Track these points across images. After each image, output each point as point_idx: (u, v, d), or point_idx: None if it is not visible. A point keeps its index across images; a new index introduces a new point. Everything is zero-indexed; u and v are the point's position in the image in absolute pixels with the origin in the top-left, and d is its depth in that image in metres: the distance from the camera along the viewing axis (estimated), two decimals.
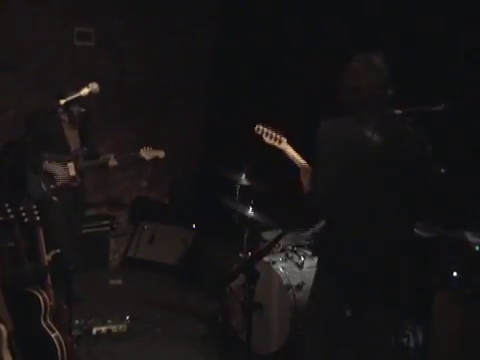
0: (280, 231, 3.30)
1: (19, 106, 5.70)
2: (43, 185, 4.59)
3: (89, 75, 5.88)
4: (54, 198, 4.53)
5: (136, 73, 6.34)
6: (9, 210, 3.58)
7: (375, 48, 2.89)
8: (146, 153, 4.83)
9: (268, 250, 3.41)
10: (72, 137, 4.76)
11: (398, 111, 2.47)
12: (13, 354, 3.40)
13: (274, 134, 3.47)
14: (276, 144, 3.44)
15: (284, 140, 3.44)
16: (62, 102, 2.97)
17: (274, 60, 5.94)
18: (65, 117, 4.66)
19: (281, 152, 3.43)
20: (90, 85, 3.11)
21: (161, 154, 4.84)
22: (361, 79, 2.89)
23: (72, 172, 4.61)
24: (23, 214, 3.64)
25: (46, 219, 4.24)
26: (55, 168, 4.64)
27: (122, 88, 6.18)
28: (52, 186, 4.58)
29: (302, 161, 3.35)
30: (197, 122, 6.65)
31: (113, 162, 4.89)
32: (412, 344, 4.32)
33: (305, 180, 3.28)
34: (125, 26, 6.19)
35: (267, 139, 3.47)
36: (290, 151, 3.41)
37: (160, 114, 6.39)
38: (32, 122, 4.67)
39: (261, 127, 3.50)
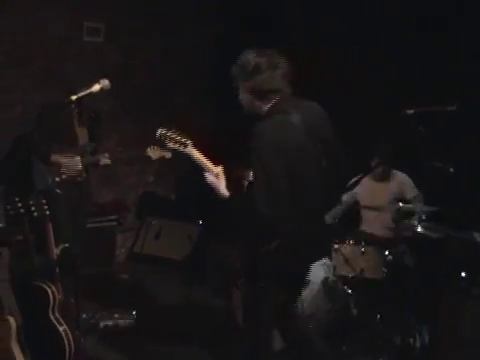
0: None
1: (27, 101, 5.71)
2: (48, 177, 4.59)
3: (97, 71, 5.91)
4: (58, 191, 4.52)
5: (143, 69, 6.35)
6: (19, 204, 3.59)
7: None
8: (153, 152, 4.78)
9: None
10: (81, 133, 4.76)
11: (410, 111, 2.46)
12: (22, 347, 3.41)
13: (178, 138, 3.25)
14: (181, 149, 3.24)
15: (189, 143, 3.25)
16: (73, 98, 2.96)
17: (284, 49, 5.94)
18: (76, 113, 4.66)
19: (187, 156, 3.24)
20: (101, 81, 3.10)
21: (168, 155, 4.81)
22: (271, 80, 3.03)
23: (79, 166, 4.60)
24: (33, 208, 3.66)
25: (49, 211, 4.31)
26: (62, 159, 4.65)
27: (129, 84, 6.19)
28: (57, 179, 4.57)
29: (210, 164, 3.21)
30: (204, 118, 6.64)
31: (105, 160, 4.84)
32: (418, 344, 4.32)
33: (220, 184, 3.15)
34: (133, 22, 6.19)
35: (170, 144, 3.26)
36: (196, 155, 3.24)
37: (166, 110, 6.38)
38: (43, 115, 4.67)
39: (163, 132, 3.27)
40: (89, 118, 4.76)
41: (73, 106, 4.52)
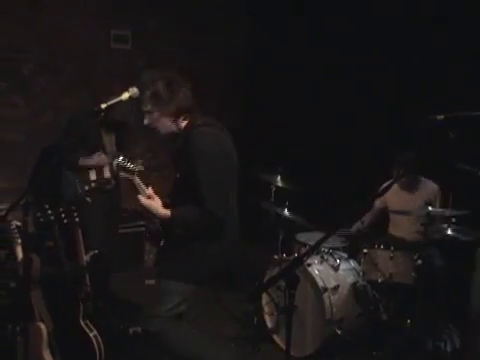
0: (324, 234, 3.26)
1: (57, 108, 5.82)
2: (78, 186, 4.64)
3: (125, 77, 5.96)
4: (88, 199, 4.57)
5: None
6: (49, 211, 3.65)
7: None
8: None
9: (310, 253, 3.44)
10: (109, 141, 4.82)
11: (441, 116, 2.45)
12: (53, 353, 3.47)
13: (129, 166, 3.30)
14: (130, 177, 3.28)
15: (136, 171, 3.29)
16: (103, 106, 2.99)
17: (308, 59, 5.94)
18: (102, 120, 4.68)
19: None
20: (130, 89, 3.12)
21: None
22: (187, 97, 3.23)
23: (107, 174, 4.63)
24: (63, 215, 3.71)
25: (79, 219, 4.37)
26: (90, 161, 4.69)
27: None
28: (86, 187, 4.60)
29: (145, 189, 3.25)
30: (231, 123, 6.64)
31: (139, 167, 4.88)
32: (449, 349, 4.27)
33: (156, 204, 3.19)
34: (159, 27, 6.25)
35: (123, 174, 3.31)
36: (136, 181, 3.28)
37: None
38: (72, 123, 4.73)
39: (117, 162, 3.31)
40: (116, 125, 4.81)
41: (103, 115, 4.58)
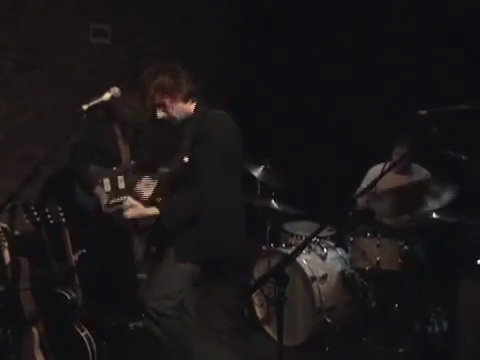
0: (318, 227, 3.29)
1: (39, 105, 5.76)
2: (91, 201, 4.54)
3: (107, 72, 5.93)
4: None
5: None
6: (35, 213, 3.64)
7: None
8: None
9: (302, 248, 3.46)
10: (124, 151, 4.73)
11: (423, 111, 2.47)
12: (45, 354, 3.47)
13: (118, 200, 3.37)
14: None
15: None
16: (85, 108, 2.96)
17: (295, 55, 5.96)
18: (118, 130, 4.60)
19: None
20: (111, 89, 3.09)
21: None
22: (190, 81, 3.32)
23: (121, 185, 4.55)
24: (49, 216, 3.70)
25: (93, 230, 4.38)
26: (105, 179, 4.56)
27: (138, 84, 6.18)
28: (105, 201, 4.52)
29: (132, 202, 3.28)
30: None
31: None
32: (437, 331, 4.34)
33: (149, 212, 3.23)
34: (141, 22, 6.19)
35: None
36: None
37: None
38: (85, 134, 4.51)
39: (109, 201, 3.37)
40: (132, 135, 4.65)
41: (117, 124, 4.52)
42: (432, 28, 4.85)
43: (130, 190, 3.33)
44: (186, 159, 3.21)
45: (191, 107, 3.34)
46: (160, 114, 3.31)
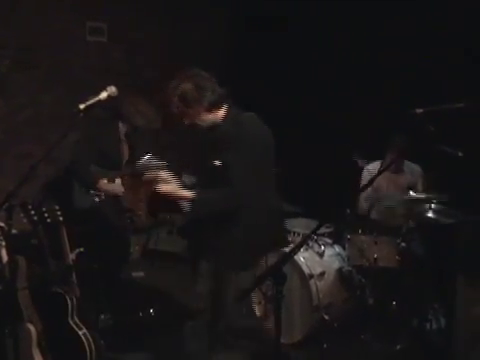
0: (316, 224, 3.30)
1: (36, 103, 5.76)
2: (88, 197, 4.55)
3: (103, 70, 5.93)
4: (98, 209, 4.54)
5: (149, 65, 6.34)
6: (32, 211, 3.63)
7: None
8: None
9: (300, 246, 3.47)
10: (125, 152, 4.71)
11: (419, 110, 2.47)
12: (43, 353, 3.47)
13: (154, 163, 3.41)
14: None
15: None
16: (81, 107, 2.95)
17: (291, 51, 5.95)
18: (122, 132, 4.60)
19: None
20: (108, 88, 3.08)
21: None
22: (217, 91, 3.26)
23: (118, 189, 4.59)
24: (46, 214, 3.70)
25: (91, 228, 4.33)
26: (108, 187, 4.58)
27: (135, 81, 6.19)
28: (97, 199, 4.55)
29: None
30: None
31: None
32: (434, 328, 4.35)
33: (184, 193, 3.26)
34: (137, 19, 6.18)
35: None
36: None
37: None
38: (88, 133, 4.50)
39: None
40: (131, 134, 4.63)
41: (123, 126, 4.53)
42: (432, 28, 4.84)
43: None
44: (218, 162, 3.23)
45: (218, 113, 3.31)
46: (186, 121, 3.32)
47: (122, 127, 4.55)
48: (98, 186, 4.43)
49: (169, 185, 3.27)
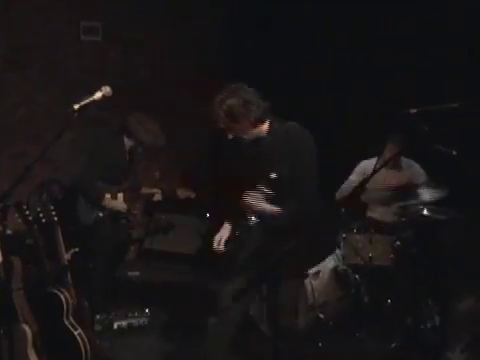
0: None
1: (30, 103, 5.75)
2: (92, 213, 4.57)
3: (98, 70, 5.92)
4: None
5: (144, 65, 6.32)
6: (27, 212, 3.63)
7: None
8: (181, 192, 5.10)
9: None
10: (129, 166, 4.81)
11: (413, 110, 2.48)
12: (38, 353, 3.47)
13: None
14: None
15: None
16: (76, 107, 2.95)
17: (286, 48, 5.94)
18: (128, 146, 4.64)
19: None
20: (103, 88, 3.08)
21: (193, 195, 5.13)
22: (261, 106, 3.29)
23: (121, 205, 4.64)
24: (41, 215, 3.69)
25: (93, 244, 4.49)
26: (113, 204, 4.62)
27: (131, 80, 6.18)
28: (100, 214, 4.58)
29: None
30: (207, 112, 6.61)
31: (158, 197, 5.00)
32: (429, 326, 4.36)
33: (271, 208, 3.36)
34: (132, 18, 6.16)
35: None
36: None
37: (170, 104, 6.35)
38: (96, 148, 4.64)
39: None
40: (134, 150, 4.70)
41: (126, 138, 4.57)
42: (432, 28, 4.85)
43: None
44: (274, 175, 3.29)
45: (263, 127, 3.36)
46: (230, 135, 3.35)
47: (127, 142, 4.62)
48: (102, 203, 4.51)
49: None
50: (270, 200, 3.39)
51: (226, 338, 3.52)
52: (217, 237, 3.54)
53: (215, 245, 3.52)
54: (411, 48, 5.09)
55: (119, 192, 4.65)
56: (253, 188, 3.44)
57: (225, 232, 3.55)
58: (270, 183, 3.35)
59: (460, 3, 4.72)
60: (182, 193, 5.11)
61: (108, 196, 4.56)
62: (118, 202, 4.64)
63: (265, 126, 3.37)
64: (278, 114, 3.43)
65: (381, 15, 5.24)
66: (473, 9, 4.55)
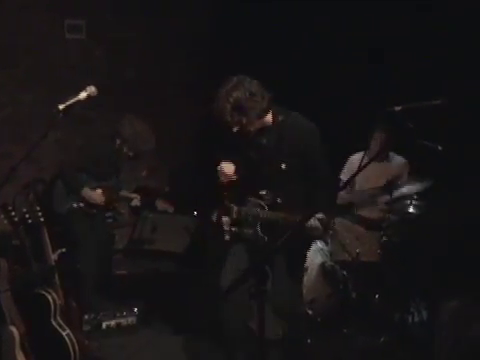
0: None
1: (16, 102, 5.72)
2: (69, 202, 4.63)
3: (83, 68, 5.89)
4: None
5: (130, 63, 6.30)
6: (13, 212, 3.60)
7: None
8: (160, 203, 5.20)
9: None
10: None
11: (398, 107, 2.49)
12: (27, 355, 3.45)
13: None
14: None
15: None
16: (61, 107, 2.94)
17: (274, 44, 5.93)
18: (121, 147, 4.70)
19: None
20: (88, 88, 3.08)
21: (171, 209, 5.20)
22: (266, 96, 3.30)
23: (99, 199, 4.65)
24: (27, 215, 3.67)
25: (70, 234, 4.55)
26: (91, 195, 4.65)
27: (116, 79, 6.15)
28: (75, 205, 4.60)
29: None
30: (194, 108, 6.61)
31: (136, 202, 5.01)
32: (417, 321, 4.39)
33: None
34: (117, 16, 6.13)
35: None
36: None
37: (156, 103, 6.33)
38: (89, 143, 4.78)
39: None
40: (123, 151, 4.78)
41: (118, 140, 4.61)
42: (432, 28, 4.85)
43: None
44: (283, 166, 3.31)
45: (267, 118, 3.36)
46: (235, 128, 3.31)
47: (119, 144, 4.70)
48: (81, 193, 4.55)
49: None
50: (276, 194, 3.38)
51: (240, 318, 3.66)
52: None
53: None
54: (411, 48, 5.09)
55: (99, 188, 4.67)
56: (255, 193, 3.42)
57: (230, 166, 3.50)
58: (280, 174, 3.34)
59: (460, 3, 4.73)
60: (161, 205, 5.18)
61: (87, 188, 4.58)
62: (96, 194, 4.65)
63: (269, 117, 3.36)
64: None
65: (384, 15, 5.23)
66: (473, 9, 4.56)
